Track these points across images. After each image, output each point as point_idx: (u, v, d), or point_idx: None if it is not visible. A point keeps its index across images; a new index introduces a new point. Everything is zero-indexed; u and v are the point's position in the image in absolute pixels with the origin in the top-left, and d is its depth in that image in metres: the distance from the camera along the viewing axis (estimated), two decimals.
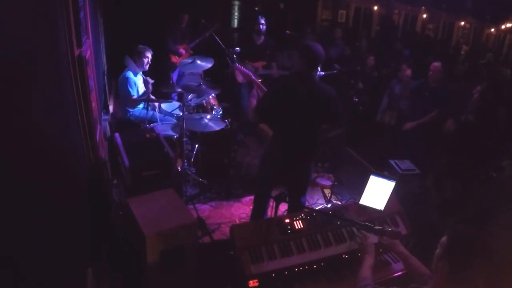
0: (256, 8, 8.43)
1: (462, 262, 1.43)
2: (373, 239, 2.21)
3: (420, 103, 4.55)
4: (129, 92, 4.21)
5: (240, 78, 5.32)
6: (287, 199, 2.31)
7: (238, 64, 4.60)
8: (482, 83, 4.00)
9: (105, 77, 4.70)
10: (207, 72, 4.60)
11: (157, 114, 4.42)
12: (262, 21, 5.31)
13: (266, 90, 3.09)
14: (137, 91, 4.30)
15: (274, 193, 3.27)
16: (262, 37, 5.42)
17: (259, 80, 5.16)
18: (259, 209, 3.25)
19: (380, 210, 2.49)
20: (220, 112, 4.57)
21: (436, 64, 4.48)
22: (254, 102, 4.40)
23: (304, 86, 2.79)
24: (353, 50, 7.34)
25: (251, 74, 3.16)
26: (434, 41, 9.73)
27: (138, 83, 4.35)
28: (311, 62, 2.79)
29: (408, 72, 4.96)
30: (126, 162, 3.13)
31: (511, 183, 2.60)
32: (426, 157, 4.14)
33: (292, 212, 3.00)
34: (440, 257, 1.51)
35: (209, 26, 5.57)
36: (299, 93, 2.79)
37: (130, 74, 4.25)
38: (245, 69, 3.21)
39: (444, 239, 1.53)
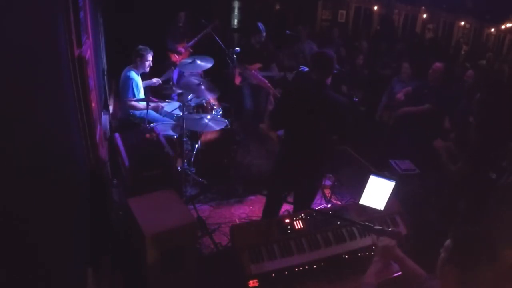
0: (260, 11, 8.42)
1: (469, 263, 1.42)
2: (388, 241, 2.04)
3: (418, 102, 4.56)
4: (130, 93, 4.21)
5: (238, 80, 5.31)
6: (293, 205, 2.30)
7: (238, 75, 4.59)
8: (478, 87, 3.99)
9: (105, 77, 4.70)
10: (207, 72, 4.60)
11: (157, 115, 4.42)
12: (263, 32, 5.29)
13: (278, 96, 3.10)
14: (138, 93, 4.29)
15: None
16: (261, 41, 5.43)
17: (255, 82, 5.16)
18: (270, 212, 3.24)
19: (380, 210, 2.49)
20: (220, 112, 4.57)
21: (438, 64, 4.50)
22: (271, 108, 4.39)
23: (318, 95, 2.79)
24: (353, 50, 7.34)
25: (266, 81, 3.17)
26: (436, 42, 9.73)
27: (140, 84, 4.35)
28: (326, 70, 2.78)
29: (408, 69, 4.95)
30: (126, 162, 3.13)
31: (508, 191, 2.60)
32: (426, 157, 4.14)
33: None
34: (446, 261, 1.49)
35: (208, 24, 5.58)
36: (312, 101, 2.78)
37: (133, 74, 4.25)
38: (261, 77, 3.22)
39: (448, 242, 1.51)
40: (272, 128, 3.09)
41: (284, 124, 2.96)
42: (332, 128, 2.84)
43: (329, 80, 2.80)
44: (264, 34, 5.32)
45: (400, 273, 2.28)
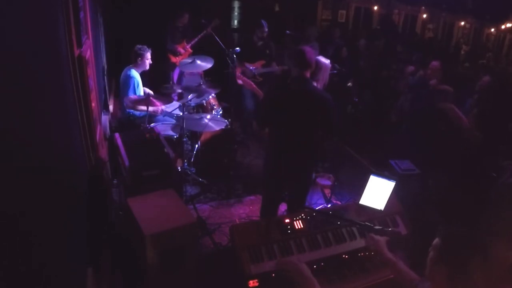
0: (260, 11, 8.41)
1: (459, 262, 1.42)
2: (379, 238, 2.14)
3: (417, 100, 4.56)
4: (131, 92, 4.21)
5: (240, 81, 5.33)
6: (286, 204, 2.29)
7: (240, 74, 4.64)
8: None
9: (105, 77, 4.70)
10: (207, 72, 4.60)
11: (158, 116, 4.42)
12: (265, 28, 5.38)
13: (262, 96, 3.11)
14: (139, 92, 4.29)
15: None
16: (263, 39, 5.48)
17: (260, 79, 5.20)
18: (267, 212, 3.24)
19: (380, 210, 2.49)
20: (220, 112, 4.57)
21: (435, 63, 4.50)
22: None
23: (300, 91, 2.79)
24: (352, 50, 7.34)
25: (252, 83, 3.18)
26: (435, 42, 9.73)
27: (141, 83, 4.35)
28: (301, 64, 2.77)
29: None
30: (126, 162, 3.13)
31: (508, 192, 2.61)
32: (426, 157, 4.14)
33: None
34: (436, 260, 1.49)
35: (208, 24, 5.59)
36: (294, 97, 2.79)
37: (133, 73, 4.24)
38: (246, 79, 3.23)
39: (436, 241, 1.51)
40: (260, 127, 3.09)
41: (271, 121, 2.96)
42: (317, 122, 2.83)
43: (308, 75, 2.79)
44: (266, 29, 5.36)
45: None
